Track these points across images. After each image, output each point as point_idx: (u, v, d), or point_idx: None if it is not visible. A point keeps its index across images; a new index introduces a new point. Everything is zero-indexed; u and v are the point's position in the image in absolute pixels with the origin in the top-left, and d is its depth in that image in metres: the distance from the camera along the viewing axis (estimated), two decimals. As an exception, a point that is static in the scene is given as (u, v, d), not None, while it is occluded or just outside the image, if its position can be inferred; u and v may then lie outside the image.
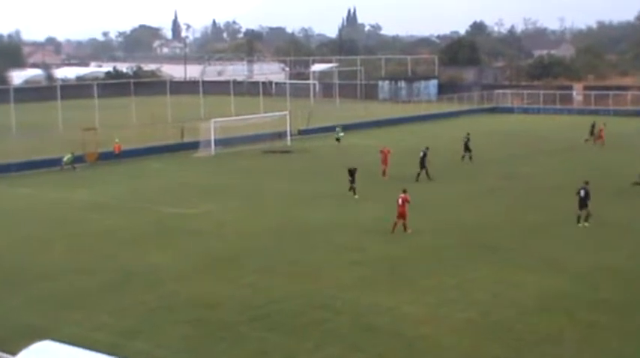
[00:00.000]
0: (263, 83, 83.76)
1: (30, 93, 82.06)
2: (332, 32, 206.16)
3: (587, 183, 27.99)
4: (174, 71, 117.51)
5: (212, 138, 48.89)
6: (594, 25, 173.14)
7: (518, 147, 49.65)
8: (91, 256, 24.91)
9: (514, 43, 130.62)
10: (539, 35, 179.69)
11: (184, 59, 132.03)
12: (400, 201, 26.83)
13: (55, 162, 43.21)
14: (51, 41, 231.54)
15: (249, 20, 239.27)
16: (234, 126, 52.50)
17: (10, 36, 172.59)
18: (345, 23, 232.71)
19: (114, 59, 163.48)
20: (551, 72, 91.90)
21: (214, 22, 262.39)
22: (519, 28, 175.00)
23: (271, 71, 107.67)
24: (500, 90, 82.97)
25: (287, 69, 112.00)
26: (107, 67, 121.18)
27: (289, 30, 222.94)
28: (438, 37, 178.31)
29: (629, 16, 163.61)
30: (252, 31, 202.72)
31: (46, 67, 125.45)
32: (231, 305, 19.81)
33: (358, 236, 26.86)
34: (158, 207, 32.28)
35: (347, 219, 29.51)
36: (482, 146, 43.90)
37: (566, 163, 43.14)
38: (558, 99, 78.05)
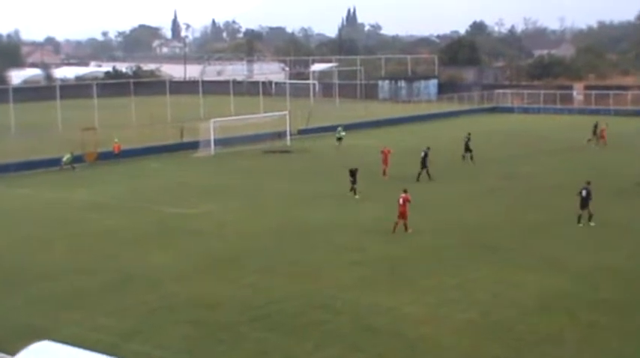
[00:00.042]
0: (263, 83, 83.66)
1: (29, 93, 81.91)
2: (332, 32, 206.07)
3: (589, 183, 27.98)
4: (174, 71, 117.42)
5: (212, 138, 48.82)
6: (595, 25, 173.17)
7: (519, 147, 49.60)
8: (90, 256, 24.86)
9: (514, 42, 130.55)
10: (539, 35, 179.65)
11: (184, 59, 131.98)
12: (401, 200, 26.80)
13: (54, 162, 43.15)
14: (50, 41, 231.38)
15: (249, 20, 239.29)
16: (234, 126, 52.42)
17: (9, 35, 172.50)
18: (344, 23, 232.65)
19: (113, 59, 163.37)
20: (552, 72, 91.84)
21: (214, 21, 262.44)
22: (519, 27, 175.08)
23: (271, 71, 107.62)
24: (501, 90, 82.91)
25: (287, 69, 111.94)
26: (106, 67, 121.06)
27: (289, 30, 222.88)
28: (438, 36, 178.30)
29: (629, 16, 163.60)
30: (252, 30, 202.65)
31: (45, 66, 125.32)
32: (232, 306, 19.77)
33: (358, 236, 26.82)
34: (158, 207, 32.23)
35: (347, 219, 29.47)
36: (482, 146, 43.87)
37: (566, 163, 43.09)
38: (559, 99, 78.03)
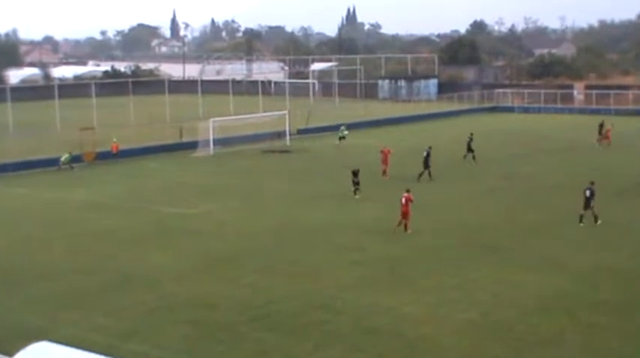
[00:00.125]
0: (262, 82, 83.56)
1: (27, 92, 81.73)
2: (331, 31, 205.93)
3: (592, 183, 27.94)
4: (173, 70, 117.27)
5: (211, 137, 48.70)
6: (595, 24, 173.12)
7: (519, 147, 49.55)
8: (89, 256, 24.78)
9: (514, 42, 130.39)
10: (539, 34, 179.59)
11: (183, 58, 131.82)
12: (403, 200, 26.72)
13: (52, 162, 43.02)
14: (48, 40, 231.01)
15: (248, 19, 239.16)
16: (233, 126, 52.28)
17: (7, 35, 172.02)
18: (344, 22, 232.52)
19: (112, 58, 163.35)
20: (552, 71, 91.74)
21: (213, 20, 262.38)
22: (520, 26, 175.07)
23: (270, 70, 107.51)
24: (501, 90, 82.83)
25: (286, 68, 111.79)
26: (105, 66, 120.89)
27: (288, 29, 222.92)
28: (438, 35, 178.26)
29: (630, 15, 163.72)
30: (251, 29, 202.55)
31: (43, 66, 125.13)
32: (231, 306, 19.70)
33: (358, 236, 26.75)
34: (157, 207, 32.14)
35: (347, 219, 29.40)
36: (482, 146, 43.80)
37: (566, 163, 43.03)
38: (559, 98, 77.95)
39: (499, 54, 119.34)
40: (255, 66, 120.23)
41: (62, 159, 42.92)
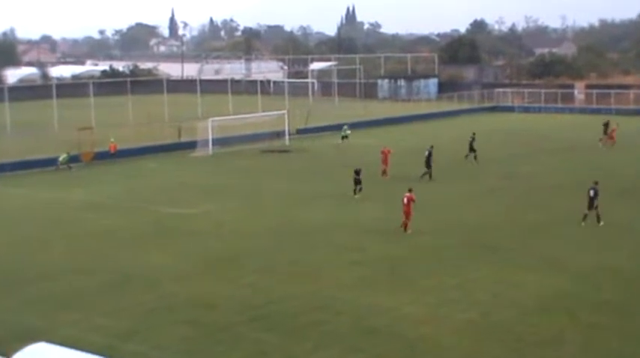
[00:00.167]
0: (261, 82, 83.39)
1: (25, 91, 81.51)
2: (331, 30, 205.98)
3: (596, 182, 27.88)
4: (172, 70, 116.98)
5: (210, 137, 48.56)
6: (596, 23, 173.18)
7: (519, 147, 49.48)
8: (88, 256, 24.69)
9: (515, 41, 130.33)
10: (540, 33, 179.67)
11: (181, 57, 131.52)
12: (405, 200, 26.60)
13: (50, 162, 42.90)
14: (46, 39, 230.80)
15: (247, 18, 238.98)
16: (232, 126, 52.10)
17: (4, 34, 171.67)
18: (344, 21, 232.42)
19: (110, 57, 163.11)
20: (553, 70, 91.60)
21: (212, 20, 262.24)
22: (520, 26, 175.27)
23: (269, 70, 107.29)
24: (501, 89, 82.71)
25: (285, 67, 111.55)
26: (103, 66, 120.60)
27: (287, 28, 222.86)
28: (438, 35, 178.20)
29: (631, 14, 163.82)
30: (250, 29, 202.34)
31: (41, 65, 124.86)
32: (231, 306, 19.63)
33: (358, 236, 26.67)
34: (156, 207, 32.03)
35: (347, 219, 29.32)
36: (483, 145, 43.71)
37: (567, 163, 42.98)
38: (560, 98, 77.80)
39: (499, 53, 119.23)
40: (254, 65, 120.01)
41: (60, 159, 42.78)
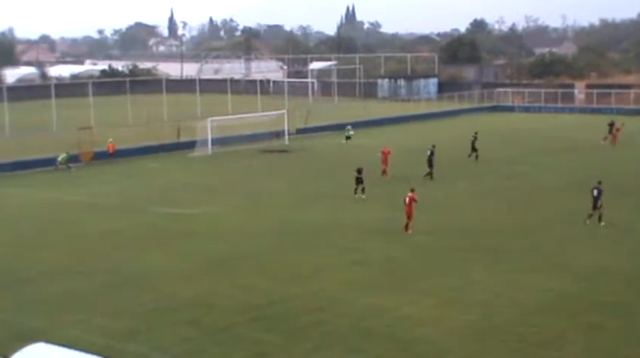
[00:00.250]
0: (261, 81, 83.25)
1: (24, 91, 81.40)
2: (330, 30, 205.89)
3: (600, 182, 27.84)
4: (171, 69, 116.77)
5: (209, 137, 48.42)
6: (597, 23, 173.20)
7: (520, 147, 49.44)
8: (88, 257, 24.59)
9: (515, 40, 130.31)
10: (540, 33, 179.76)
11: (181, 57, 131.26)
12: (407, 200, 26.47)
13: (49, 162, 42.76)
14: (45, 39, 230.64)
15: (247, 18, 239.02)
16: (232, 125, 51.94)
17: (3, 33, 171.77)
18: (343, 21, 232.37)
19: (109, 57, 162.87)
20: (553, 70, 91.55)
21: (211, 19, 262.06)
22: (520, 25, 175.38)
23: (269, 69, 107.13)
24: (501, 89, 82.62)
25: (285, 67, 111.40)
26: (102, 65, 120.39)
27: (287, 28, 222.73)
28: (438, 34, 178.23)
29: (631, 14, 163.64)
30: (250, 28, 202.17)
31: (40, 65, 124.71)
32: (231, 306, 19.54)
33: (358, 236, 26.58)
34: (155, 208, 31.93)
35: (347, 219, 29.22)
36: (483, 145, 43.65)
37: (568, 163, 42.92)
38: (560, 97, 77.69)
39: (499, 53, 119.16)
40: (253, 65, 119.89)
41: (59, 158, 42.65)
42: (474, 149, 42.64)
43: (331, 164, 43.26)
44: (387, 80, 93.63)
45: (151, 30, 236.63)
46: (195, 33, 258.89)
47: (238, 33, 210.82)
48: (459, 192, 34.26)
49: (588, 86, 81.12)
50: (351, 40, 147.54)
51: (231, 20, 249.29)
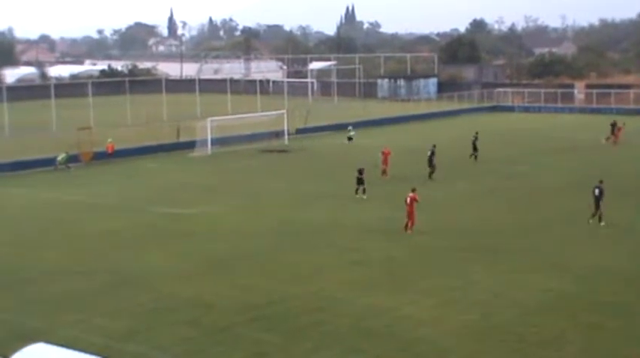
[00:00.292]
0: (260, 81, 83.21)
1: (23, 91, 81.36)
2: (330, 30, 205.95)
3: (601, 181, 27.82)
4: (170, 69, 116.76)
5: (209, 137, 48.38)
6: (596, 23, 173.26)
7: (519, 147, 49.43)
8: (86, 257, 24.56)
9: (515, 40, 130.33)
10: (540, 33, 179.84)
11: (180, 57, 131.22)
12: (408, 200, 26.46)
13: (48, 162, 42.73)
14: (44, 39, 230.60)
15: (247, 18, 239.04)
16: (231, 125, 51.91)
17: (2, 33, 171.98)
18: (343, 21, 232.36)
19: (109, 57, 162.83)
20: (553, 70, 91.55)
21: (211, 19, 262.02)
22: (520, 25, 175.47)
23: (269, 69, 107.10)
24: (501, 89, 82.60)
25: (284, 67, 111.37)
26: (102, 65, 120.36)
27: (287, 28, 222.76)
28: (438, 34, 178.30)
29: (631, 14, 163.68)
30: (250, 28, 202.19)
31: (39, 65, 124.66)
32: (231, 306, 19.51)
33: (358, 236, 26.56)
34: (154, 208, 31.90)
35: (347, 219, 29.19)
36: (483, 145, 43.67)
37: (567, 162, 42.92)
38: (559, 97, 77.68)
39: (499, 53, 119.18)
40: (253, 65, 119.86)
41: (59, 158, 42.62)
42: (475, 148, 42.65)
43: (331, 164, 43.23)
44: (386, 80, 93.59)
45: (150, 30, 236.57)
46: (194, 33, 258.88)
47: (238, 33, 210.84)
48: (459, 192, 34.25)
49: (588, 86, 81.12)
50: (350, 40, 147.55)
51: (231, 20, 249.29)
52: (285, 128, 53.57)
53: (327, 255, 24.09)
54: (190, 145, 48.75)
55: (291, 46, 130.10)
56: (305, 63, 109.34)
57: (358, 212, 30.27)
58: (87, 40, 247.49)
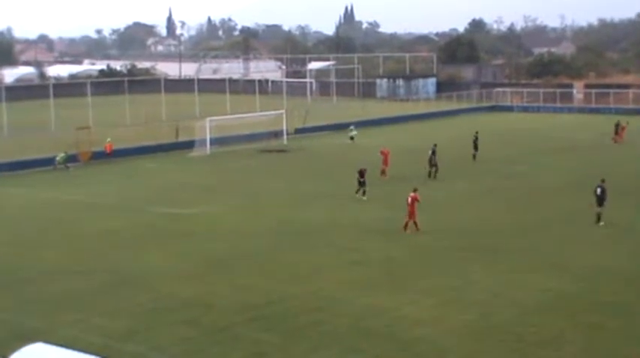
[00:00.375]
0: (259, 81, 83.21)
1: (22, 91, 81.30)
2: (329, 30, 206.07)
3: (603, 180, 27.77)
4: (169, 69, 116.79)
5: (207, 137, 48.34)
6: (595, 23, 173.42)
7: (518, 146, 49.47)
8: (85, 257, 24.54)
9: (514, 40, 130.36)
10: (539, 33, 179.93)
11: (179, 57, 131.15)
12: (409, 199, 26.46)
13: (47, 162, 42.72)
14: (43, 38, 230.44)
15: (245, 17, 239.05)
16: (230, 125, 51.89)
17: (1, 33, 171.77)
18: (342, 21, 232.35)
19: (107, 57, 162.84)
20: (552, 70, 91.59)
21: (209, 19, 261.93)
22: (519, 25, 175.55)
23: (267, 69, 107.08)
24: (500, 89, 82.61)
25: (283, 67, 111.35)
26: (100, 65, 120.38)
27: (286, 27, 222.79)
28: (437, 34, 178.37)
29: (630, 14, 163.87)
30: (248, 28, 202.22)
31: (38, 64, 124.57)
32: (230, 306, 19.49)
33: (357, 236, 26.55)
34: (153, 208, 31.88)
35: (346, 219, 29.17)
36: (482, 145, 43.75)
37: (566, 162, 42.94)
38: (558, 97, 77.70)
39: (498, 53, 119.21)
40: (252, 65, 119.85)
41: (58, 158, 42.60)
42: (476, 148, 42.65)
43: (330, 164, 43.21)
44: (385, 80, 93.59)
45: (149, 30, 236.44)
46: (193, 33, 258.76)
47: (237, 33, 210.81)
48: (458, 192, 34.24)
49: (587, 86, 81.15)
50: (349, 39, 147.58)
51: (230, 20, 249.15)
52: (284, 128, 53.56)
53: (326, 255, 24.07)
54: (189, 145, 48.71)
55: (290, 46, 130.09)
56: (304, 63, 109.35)
57: (357, 212, 30.25)
58: (85, 40, 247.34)
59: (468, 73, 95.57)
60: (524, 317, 18.45)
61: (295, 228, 27.81)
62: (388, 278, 21.72)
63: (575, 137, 53.25)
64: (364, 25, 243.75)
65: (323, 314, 18.82)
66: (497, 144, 49.91)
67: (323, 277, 21.81)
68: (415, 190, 26.80)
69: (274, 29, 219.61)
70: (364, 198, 32.31)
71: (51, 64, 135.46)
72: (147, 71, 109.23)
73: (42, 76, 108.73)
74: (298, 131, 56.57)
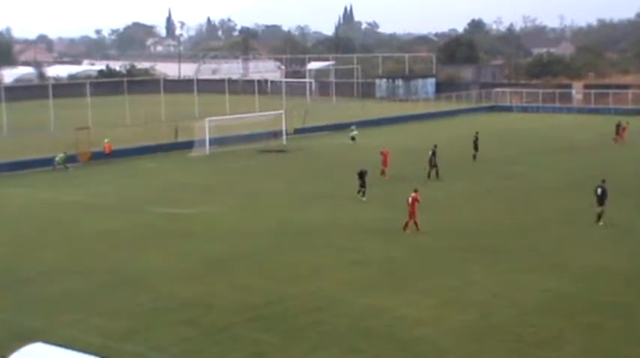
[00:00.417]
0: (258, 81, 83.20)
1: (21, 91, 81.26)
2: (328, 30, 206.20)
3: (604, 181, 27.77)
4: (168, 69, 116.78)
5: (207, 137, 48.35)
6: (594, 23, 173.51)
7: (518, 147, 49.48)
8: (85, 257, 24.54)
9: (513, 41, 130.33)
10: (538, 33, 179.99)
11: (179, 57, 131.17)
12: (410, 200, 26.47)
13: (47, 162, 42.71)
14: (42, 39, 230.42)
15: (245, 18, 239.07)
16: (229, 125, 51.89)
17: (0, 33, 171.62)
18: (341, 21, 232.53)
19: (107, 57, 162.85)
20: (551, 70, 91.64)
21: (209, 19, 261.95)
22: (518, 25, 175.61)
23: (267, 69, 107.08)
24: (499, 89, 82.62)
25: (283, 67, 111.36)
26: (100, 65, 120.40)
27: (285, 28, 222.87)
28: (436, 34, 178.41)
29: (629, 14, 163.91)
30: (248, 28, 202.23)
31: (37, 65, 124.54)
32: (229, 306, 19.49)
33: (357, 236, 26.54)
34: (153, 208, 31.88)
35: (346, 219, 29.17)
36: (481, 145, 43.74)
37: (565, 162, 42.95)
38: (557, 97, 77.72)
39: (497, 53, 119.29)
40: (251, 65, 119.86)
41: (57, 158, 42.59)
42: (476, 148, 42.68)
43: (329, 164, 43.21)
44: (384, 80, 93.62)
45: (148, 30, 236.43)
46: (192, 33, 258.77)
47: (236, 33, 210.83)
48: (458, 192, 34.25)
49: (586, 86, 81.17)
50: (348, 40, 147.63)
51: (229, 20, 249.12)
52: (284, 128, 53.56)
53: (326, 255, 24.07)
54: (189, 145, 48.71)
55: (290, 46, 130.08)
56: (303, 63, 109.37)
57: (357, 212, 30.26)
58: (85, 40, 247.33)
59: (467, 73, 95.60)
60: (524, 318, 18.45)
61: (295, 228, 27.81)
62: (388, 279, 21.72)
63: (575, 137, 53.27)
64: (363, 26, 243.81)
65: (322, 315, 18.82)
66: (496, 144, 49.91)
67: (322, 277, 21.82)
68: (416, 191, 26.83)
69: (274, 29, 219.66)
70: (364, 198, 32.33)
71: (50, 64, 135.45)
72: (146, 71, 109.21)
73: (41, 76, 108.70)
74: (297, 131, 56.58)
